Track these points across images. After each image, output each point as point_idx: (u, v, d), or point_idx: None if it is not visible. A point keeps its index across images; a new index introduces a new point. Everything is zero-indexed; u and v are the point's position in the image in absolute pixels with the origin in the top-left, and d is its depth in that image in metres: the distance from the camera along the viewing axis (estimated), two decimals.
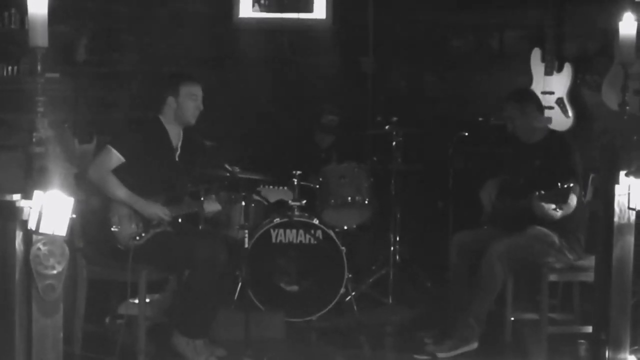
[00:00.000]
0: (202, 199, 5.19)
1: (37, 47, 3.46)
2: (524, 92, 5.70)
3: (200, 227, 5.32)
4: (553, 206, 4.87)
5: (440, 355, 5.24)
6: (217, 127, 6.79)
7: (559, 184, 4.77)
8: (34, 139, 3.43)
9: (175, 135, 5.17)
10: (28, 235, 3.38)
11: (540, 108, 5.46)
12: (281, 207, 5.98)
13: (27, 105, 3.53)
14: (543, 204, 4.89)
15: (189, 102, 5.12)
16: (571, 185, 4.77)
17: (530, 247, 5.14)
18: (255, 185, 5.50)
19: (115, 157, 4.92)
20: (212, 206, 5.23)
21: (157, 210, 4.98)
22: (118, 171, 4.93)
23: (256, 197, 5.47)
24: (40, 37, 3.46)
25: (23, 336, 3.42)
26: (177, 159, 5.18)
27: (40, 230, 3.35)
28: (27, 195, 3.37)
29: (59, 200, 3.36)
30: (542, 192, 4.87)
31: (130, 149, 4.95)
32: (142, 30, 7.06)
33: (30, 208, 3.35)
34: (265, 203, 5.56)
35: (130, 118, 5.42)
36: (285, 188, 5.83)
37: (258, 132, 7.09)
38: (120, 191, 4.91)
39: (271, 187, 5.66)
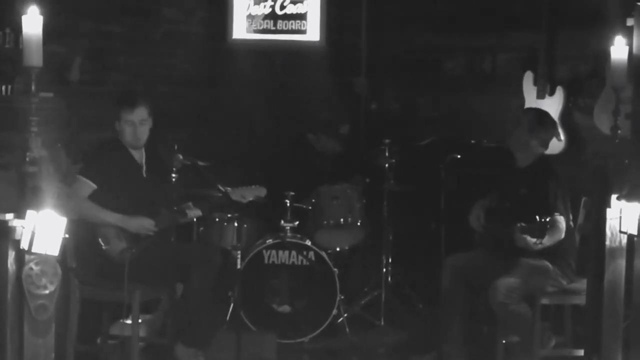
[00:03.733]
0: (182, 207, 5.21)
1: (31, 67, 3.47)
2: (541, 114, 5.60)
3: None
4: (534, 239, 4.88)
5: None
6: (210, 147, 6.81)
7: (538, 218, 4.79)
8: (27, 159, 3.43)
9: (138, 154, 5.21)
10: (20, 254, 3.37)
11: (543, 137, 5.39)
12: (258, 206, 5.89)
13: (21, 125, 3.53)
14: (524, 236, 4.91)
15: (127, 127, 5.13)
16: (548, 219, 4.79)
17: (529, 282, 5.12)
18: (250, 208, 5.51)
19: (87, 185, 4.98)
20: (193, 212, 5.25)
21: (142, 223, 5.02)
22: (93, 197, 4.98)
23: (234, 198, 5.42)
24: (34, 57, 3.46)
25: (15, 356, 3.40)
26: (144, 175, 5.21)
27: (33, 250, 3.34)
28: (19, 215, 3.37)
29: (52, 220, 3.36)
30: (523, 224, 4.88)
31: (99, 175, 5.00)
32: (136, 50, 7.08)
33: (23, 227, 3.35)
34: (243, 201, 5.49)
35: (94, 144, 5.43)
36: (256, 185, 5.77)
37: (251, 152, 7.10)
38: (101, 214, 4.95)
39: (243, 187, 5.60)
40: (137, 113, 5.13)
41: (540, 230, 4.82)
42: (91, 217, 4.92)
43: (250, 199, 5.38)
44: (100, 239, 4.94)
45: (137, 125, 5.13)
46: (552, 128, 5.51)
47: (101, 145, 5.30)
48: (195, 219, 5.62)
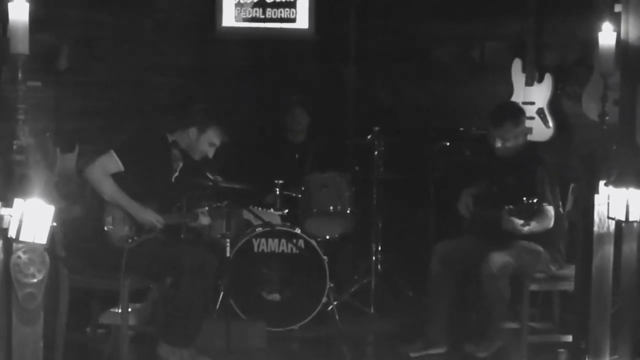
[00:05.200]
0: (196, 211, 5.22)
1: (17, 55, 3.45)
2: (498, 111, 5.51)
3: (182, 236, 5.33)
4: (521, 221, 4.90)
5: (412, 354, 5.38)
6: None
7: (525, 200, 4.80)
8: (14, 147, 3.43)
9: (178, 158, 5.21)
10: (8, 243, 3.36)
11: (516, 122, 5.37)
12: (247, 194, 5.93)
13: (8, 113, 3.52)
14: (512, 218, 4.92)
15: (207, 146, 5.21)
16: (535, 200, 4.80)
17: (521, 261, 5.14)
18: (242, 198, 5.51)
19: (116, 164, 4.96)
20: (204, 219, 5.27)
21: (151, 216, 5.01)
22: (115, 177, 4.97)
23: (247, 216, 5.47)
24: (21, 45, 3.45)
25: (3, 345, 3.40)
26: (173, 180, 5.21)
27: (21, 238, 3.33)
28: (7, 203, 3.36)
29: (40, 208, 3.35)
30: (511, 207, 4.89)
31: (132, 162, 4.98)
32: (125, 39, 7.05)
33: (11, 216, 3.34)
34: (254, 223, 5.54)
35: (140, 130, 5.40)
36: (272, 210, 5.84)
37: (240, 142, 7.09)
38: (115, 193, 4.95)
39: (259, 209, 5.67)
40: (220, 141, 5.24)
41: (528, 212, 4.84)
42: (103, 192, 4.93)
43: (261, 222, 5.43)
44: (106, 219, 4.93)
45: (213, 150, 5.23)
46: (505, 120, 5.36)
47: (148, 136, 5.27)
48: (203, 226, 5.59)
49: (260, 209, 5.68)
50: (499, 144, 5.34)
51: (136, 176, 4.98)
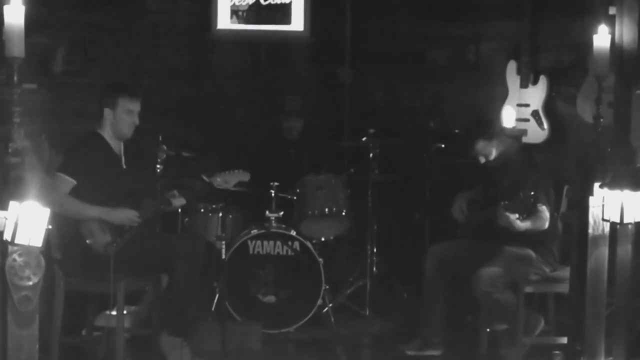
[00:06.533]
0: (166, 196, 5.20)
1: (13, 58, 3.45)
2: (469, 133, 5.51)
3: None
4: (517, 216, 4.89)
5: (409, 352, 5.42)
6: (195, 137, 6.81)
7: (521, 193, 4.80)
8: (10, 150, 3.43)
9: (117, 145, 5.19)
10: (4, 246, 3.36)
11: (487, 137, 5.35)
12: (243, 196, 5.92)
13: (4, 116, 3.52)
14: (507, 213, 4.91)
15: (125, 116, 5.10)
16: (532, 193, 4.80)
17: (511, 271, 5.14)
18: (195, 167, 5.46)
19: (67, 182, 4.95)
20: (177, 201, 5.23)
21: (126, 214, 5.00)
22: (73, 193, 4.95)
23: (218, 186, 5.39)
24: (16, 48, 3.45)
25: None
26: (124, 166, 5.20)
27: (16, 241, 3.33)
28: (2, 206, 3.36)
29: (35, 211, 3.35)
30: (506, 202, 4.89)
31: (79, 170, 4.97)
32: (120, 41, 7.06)
33: (6, 219, 3.34)
34: (227, 186, 5.39)
35: (72, 139, 5.36)
36: (239, 170, 5.73)
37: (234, 143, 7.10)
38: (83, 209, 4.93)
39: (226, 172, 5.55)
40: (138, 104, 5.13)
41: (524, 205, 4.82)
42: (74, 213, 4.90)
43: (234, 184, 5.36)
44: (84, 233, 4.93)
45: (135, 115, 5.11)
46: (476, 139, 5.36)
47: (79, 140, 5.24)
48: (179, 209, 5.60)
49: (226, 172, 5.53)
50: (483, 160, 5.38)
51: (91, 180, 4.97)
